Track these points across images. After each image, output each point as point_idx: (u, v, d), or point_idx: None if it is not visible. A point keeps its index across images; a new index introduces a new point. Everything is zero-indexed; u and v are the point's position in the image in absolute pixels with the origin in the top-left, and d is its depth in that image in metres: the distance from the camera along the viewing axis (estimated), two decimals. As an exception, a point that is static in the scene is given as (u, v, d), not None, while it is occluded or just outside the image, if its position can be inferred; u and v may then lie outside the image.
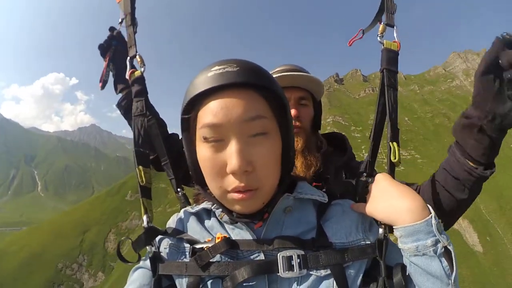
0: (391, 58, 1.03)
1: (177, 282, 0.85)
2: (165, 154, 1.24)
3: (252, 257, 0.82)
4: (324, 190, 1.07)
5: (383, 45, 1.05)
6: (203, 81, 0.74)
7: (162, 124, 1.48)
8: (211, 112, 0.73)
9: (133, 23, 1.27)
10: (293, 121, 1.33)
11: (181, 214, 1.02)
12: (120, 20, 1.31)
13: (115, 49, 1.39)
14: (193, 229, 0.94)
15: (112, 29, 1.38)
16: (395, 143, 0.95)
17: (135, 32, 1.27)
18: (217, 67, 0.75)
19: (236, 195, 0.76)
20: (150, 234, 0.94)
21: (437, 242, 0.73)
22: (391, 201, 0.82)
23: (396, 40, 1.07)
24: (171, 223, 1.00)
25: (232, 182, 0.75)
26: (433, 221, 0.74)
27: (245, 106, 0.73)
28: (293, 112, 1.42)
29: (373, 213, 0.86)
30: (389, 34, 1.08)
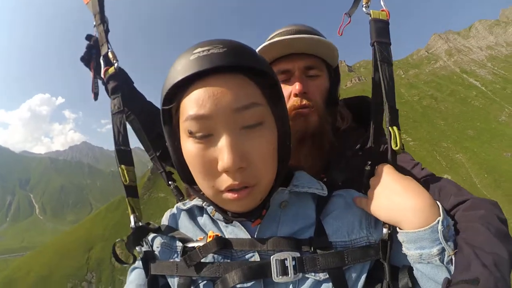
0: (381, 29, 0.93)
1: (169, 281, 0.83)
2: (150, 148, 1.22)
3: (247, 256, 0.77)
4: (325, 179, 0.96)
5: (370, 16, 0.95)
6: (185, 66, 0.66)
7: (156, 116, 1.43)
8: (196, 102, 0.65)
9: (103, 21, 1.23)
10: (299, 100, 1.17)
11: (174, 210, 0.98)
12: (94, 24, 1.27)
13: (97, 57, 1.32)
14: (186, 226, 0.89)
15: (89, 37, 1.31)
16: (395, 128, 0.85)
17: (106, 31, 1.22)
18: (200, 49, 0.66)
19: (231, 195, 0.68)
20: (138, 234, 0.90)
21: (443, 250, 0.67)
22: (394, 199, 0.74)
23: (384, 8, 0.97)
24: (164, 220, 0.97)
25: (225, 181, 0.67)
26: (439, 227, 0.67)
27: (236, 92, 0.65)
28: (297, 87, 1.16)
29: (375, 213, 0.78)
30: (375, 4, 0.97)
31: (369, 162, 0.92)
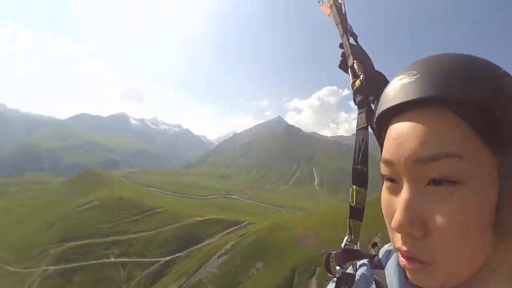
0: None
1: None
2: None
3: None
4: None
5: None
6: (384, 99, 0.58)
7: None
8: (387, 142, 0.56)
9: (346, 31, 1.20)
10: None
11: (391, 246, 0.88)
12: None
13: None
14: (390, 269, 0.77)
15: (341, 45, 1.27)
16: None
17: (355, 39, 1.22)
18: (396, 78, 0.56)
19: (401, 259, 0.55)
20: (345, 256, 0.87)
21: None
22: None
23: None
24: (380, 252, 0.88)
25: (397, 239, 0.56)
26: None
27: (423, 136, 0.49)
28: None
29: None
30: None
31: None
